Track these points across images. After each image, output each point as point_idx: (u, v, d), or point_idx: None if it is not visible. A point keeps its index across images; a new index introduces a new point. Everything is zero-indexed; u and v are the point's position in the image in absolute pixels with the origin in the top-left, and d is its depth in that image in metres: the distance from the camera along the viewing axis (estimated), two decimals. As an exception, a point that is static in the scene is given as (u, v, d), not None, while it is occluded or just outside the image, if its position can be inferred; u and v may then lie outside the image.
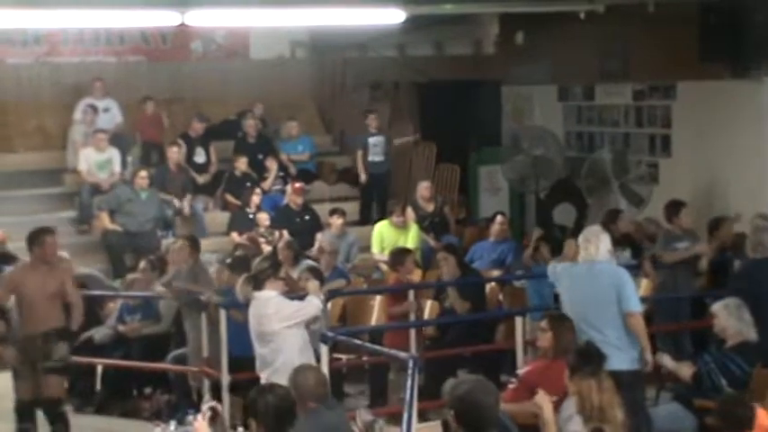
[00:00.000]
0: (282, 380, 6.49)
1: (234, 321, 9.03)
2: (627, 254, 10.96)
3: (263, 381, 7.66)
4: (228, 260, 10.05)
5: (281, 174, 14.58)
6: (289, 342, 7.63)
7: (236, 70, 15.81)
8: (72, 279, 9.22)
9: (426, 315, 10.58)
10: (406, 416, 6.67)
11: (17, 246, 11.10)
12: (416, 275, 11.58)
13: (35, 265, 8.87)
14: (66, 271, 9.16)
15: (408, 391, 6.80)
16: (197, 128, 14.57)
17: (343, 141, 16.10)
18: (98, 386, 10.53)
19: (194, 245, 10.06)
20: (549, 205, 14.95)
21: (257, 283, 7.75)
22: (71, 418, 9.22)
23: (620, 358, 7.41)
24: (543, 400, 6.40)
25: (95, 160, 13.82)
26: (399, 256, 10.70)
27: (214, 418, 5.82)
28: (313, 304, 7.84)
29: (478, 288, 10.75)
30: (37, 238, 8.86)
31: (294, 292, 8.69)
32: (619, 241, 10.18)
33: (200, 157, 14.50)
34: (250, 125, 14.79)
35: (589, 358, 6.57)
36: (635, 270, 9.65)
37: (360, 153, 14.59)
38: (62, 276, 8.95)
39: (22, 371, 8.84)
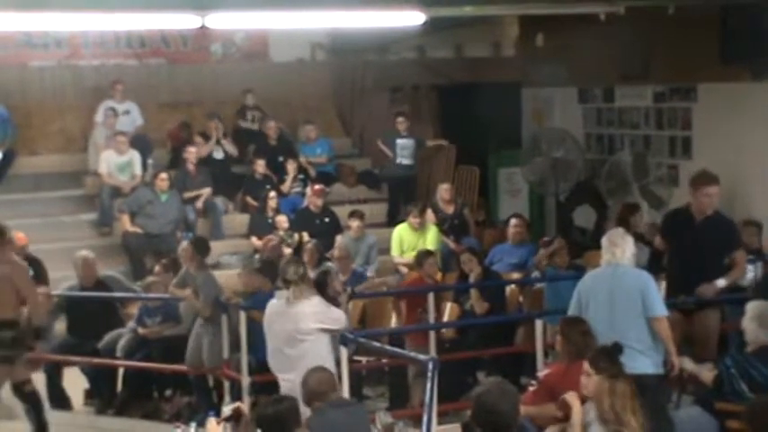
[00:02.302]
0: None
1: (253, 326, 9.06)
2: (647, 250, 10.92)
3: (284, 384, 7.67)
4: (257, 264, 10.03)
5: (301, 176, 14.60)
6: (318, 344, 7.60)
7: (255, 72, 15.85)
8: (24, 275, 8.96)
9: (446, 317, 10.56)
10: (425, 418, 6.68)
11: (36, 248, 11.17)
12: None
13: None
14: (18, 267, 8.90)
15: (428, 394, 6.80)
16: (210, 126, 14.64)
17: (364, 142, 16.13)
18: (119, 388, 10.56)
19: (198, 248, 9.90)
20: (569, 207, 14.92)
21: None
22: (92, 419, 9.22)
23: (644, 362, 7.38)
24: (573, 399, 6.41)
25: (116, 163, 13.88)
26: (420, 257, 10.76)
27: (238, 418, 5.84)
28: (340, 319, 7.82)
29: (498, 290, 10.74)
30: None
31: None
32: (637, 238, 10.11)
33: (218, 154, 14.57)
34: (270, 127, 14.83)
35: (606, 356, 6.56)
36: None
37: (379, 141, 14.74)
38: (11, 269, 8.78)
39: None
